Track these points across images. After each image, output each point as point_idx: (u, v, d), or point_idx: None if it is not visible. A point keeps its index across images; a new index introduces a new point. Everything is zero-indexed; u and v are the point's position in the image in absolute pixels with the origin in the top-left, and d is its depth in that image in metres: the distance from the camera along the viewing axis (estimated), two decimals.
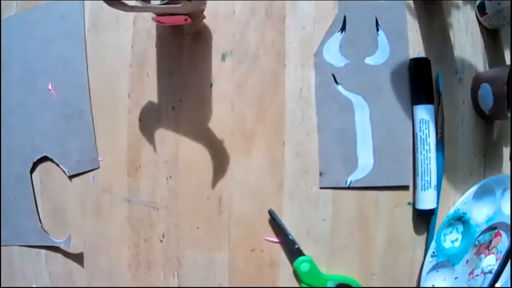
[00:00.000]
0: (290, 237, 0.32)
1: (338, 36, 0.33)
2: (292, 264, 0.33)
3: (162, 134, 0.33)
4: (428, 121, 0.32)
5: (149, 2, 0.28)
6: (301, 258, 0.32)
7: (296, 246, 0.32)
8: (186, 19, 0.29)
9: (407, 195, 0.34)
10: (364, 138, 0.33)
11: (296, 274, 0.33)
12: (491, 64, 0.37)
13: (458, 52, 0.35)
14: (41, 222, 0.35)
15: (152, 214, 0.34)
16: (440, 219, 0.34)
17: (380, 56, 0.33)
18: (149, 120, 0.34)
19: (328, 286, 0.32)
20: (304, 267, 0.32)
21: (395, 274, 0.34)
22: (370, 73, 0.33)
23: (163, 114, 0.33)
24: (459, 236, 0.35)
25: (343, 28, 0.33)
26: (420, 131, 0.33)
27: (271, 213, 0.33)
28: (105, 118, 0.34)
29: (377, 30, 0.34)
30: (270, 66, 0.33)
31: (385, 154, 0.33)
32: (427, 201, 0.33)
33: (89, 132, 0.34)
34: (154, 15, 0.29)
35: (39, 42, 0.35)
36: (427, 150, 0.32)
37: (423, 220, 0.34)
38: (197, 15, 0.31)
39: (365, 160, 0.33)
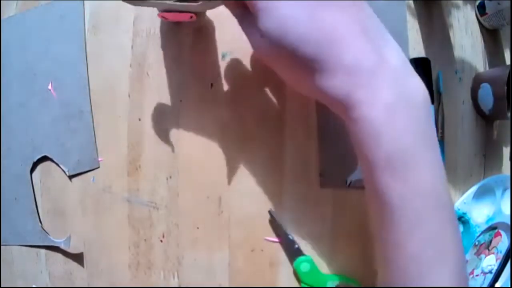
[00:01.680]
0: (290, 237, 0.32)
1: None
2: (292, 264, 0.33)
3: (162, 134, 0.33)
4: None
5: None
6: (301, 258, 0.32)
7: (296, 246, 0.32)
8: (191, 16, 0.29)
9: None
10: None
11: (296, 274, 0.33)
12: (491, 64, 0.37)
13: (458, 52, 0.35)
14: (41, 222, 0.35)
15: (152, 214, 0.34)
16: None
17: None
18: (149, 120, 0.34)
19: (328, 286, 0.32)
20: (304, 267, 0.32)
21: None
22: None
23: (163, 114, 0.33)
24: None
25: None
26: None
27: (271, 213, 0.33)
28: (105, 118, 0.34)
29: None
30: None
31: None
32: None
33: (89, 132, 0.34)
34: (161, 18, 0.29)
35: (39, 42, 0.35)
36: None
37: None
38: (203, 12, 0.31)
39: None
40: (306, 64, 0.21)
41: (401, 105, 0.21)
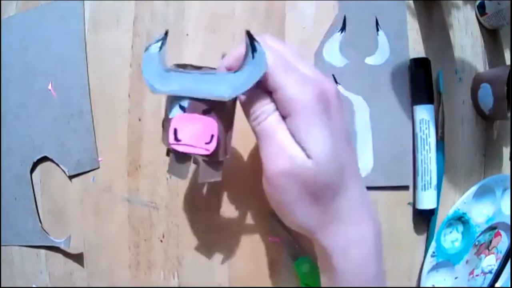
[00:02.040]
0: (290, 237, 0.32)
1: (338, 36, 0.33)
2: (292, 265, 0.33)
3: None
4: (428, 121, 0.32)
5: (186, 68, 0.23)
6: (301, 259, 0.32)
7: (296, 246, 0.32)
8: (213, 141, 0.22)
9: (407, 195, 0.34)
10: (364, 139, 0.33)
11: (296, 274, 0.33)
12: (491, 64, 0.37)
13: (458, 52, 0.35)
14: (41, 222, 0.35)
15: (152, 214, 0.34)
16: (440, 219, 0.34)
17: (380, 56, 0.34)
18: (149, 120, 0.34)
19: None
20: (304, 267, 0.32)
21: (395, 274, 0.34)
22: (370, 73, 0.33)
23: (163, 114, 0.33)
24: (459, 236, 0.35)
25: (343, 28, 0.33)
26: (420, 131, 0.33)
27: (271, 213, 0.33)
28: (105, 118, 0.34)
29: (377, 30, 0.34)
30: None
31: (385, 154, 0.33)
32: (427, 201, 0.33)
33: (89, 132, 0.34)
34: (171, 138, 0.23)
35: (39, 42, 0.35)
36: (427, 150, 0.32)
37: (423, 220, 0.34)
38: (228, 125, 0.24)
39: (365, 161, 0.33)
40: (320, 199, 0.22)
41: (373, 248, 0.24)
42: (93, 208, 0.34)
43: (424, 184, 0.32)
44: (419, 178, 0.33)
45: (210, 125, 0.22)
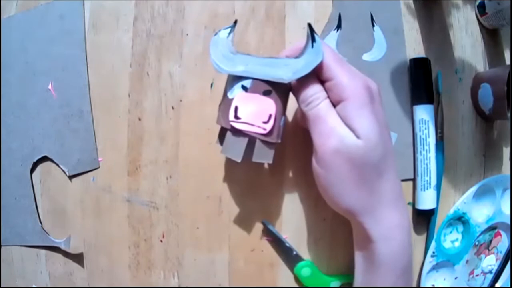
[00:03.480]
0: (287, 244, 0.32)
1: (334, 34, 0.33)
2: (292, 271, 0.33)
3: (162, 134, 0.33)
4: (428, 121, 0.32)
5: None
6: (301, 264, 0.32)
7: (295, 252, 0.32)
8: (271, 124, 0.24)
9: (407, 195, 0.34)
10: None
11: (297, 279, 0.33)
12: (491, 64, 0.37)
13: (458, 52, 0.35)
14: (41, 222, 0.35)
15: (152, 214, 0.34)
16: (440, 219, 0.34)
17: (377, 52, 0.33)
18: (149, 120, 0.34)
19: (332, 286, 0.32)
20: (305, 271, 0.32)
21: None
22: (368, 70, 0.33)
23: (163, 114, 0.33)
24: (459, 236, 0.35)
25: (338, 26, 0.33)
26: (420, 131, 0.33)
27: (264, 223, 0.32)
28: (105, 118, 0.34)
29: (373, 25, 0.34)
30: None
31: None
32: (427, 201, 0.33)
33: (89, 132, 0.34)
34: (232, 115, 0.25)
35: (39, 42, 0.35)
36: (427, 150, 0.32)
37: (423, 220, 0.34)
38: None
39: None
40: (365, 176, 0.24)
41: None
42: (93, 208, 0.34)
43: (424, 184, 0.32)
44: (418, 178, 0.33)
45: (269, 105, 0.24)
